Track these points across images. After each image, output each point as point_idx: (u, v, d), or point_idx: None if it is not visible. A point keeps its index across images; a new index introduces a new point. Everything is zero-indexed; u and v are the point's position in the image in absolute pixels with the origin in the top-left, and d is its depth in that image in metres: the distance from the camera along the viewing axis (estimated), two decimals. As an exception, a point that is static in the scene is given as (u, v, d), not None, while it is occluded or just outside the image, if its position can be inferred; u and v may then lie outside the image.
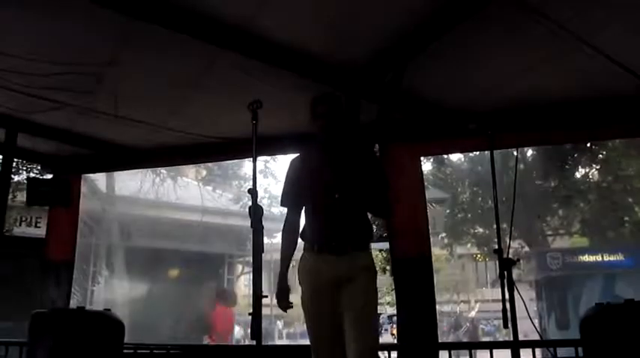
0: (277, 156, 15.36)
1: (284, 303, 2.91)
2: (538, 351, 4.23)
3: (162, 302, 12.95)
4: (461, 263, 25.23)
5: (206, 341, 8.72)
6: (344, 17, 3.14)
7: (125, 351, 4.14)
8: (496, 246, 3.11)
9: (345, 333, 2.71)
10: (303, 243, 2.98)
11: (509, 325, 2.96)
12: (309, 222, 2.97)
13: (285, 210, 3.10)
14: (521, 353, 3.16)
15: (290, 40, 3.35)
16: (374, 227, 3.33)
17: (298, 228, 3.03)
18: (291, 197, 3.04)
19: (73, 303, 5.66)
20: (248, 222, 2.60)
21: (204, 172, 17.01)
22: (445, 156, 14.41)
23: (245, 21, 3.12)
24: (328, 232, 2.84)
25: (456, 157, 16.54)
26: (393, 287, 4.50)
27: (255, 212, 2.56)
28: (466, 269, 27.11)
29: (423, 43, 3.31)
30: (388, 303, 8.49)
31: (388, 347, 4.27)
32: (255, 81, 3.58)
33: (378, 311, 3.02)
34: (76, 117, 4.40)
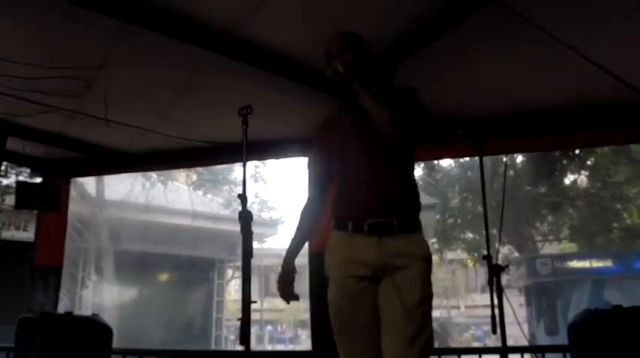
0: (268, 161, 15.42)
1: (286, 291, 2.35)
2: (527, 356, 4.24)
3: (152, 307, 12.90)
4: (451, 268, 25.31)
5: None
6: (335, 22, 3.14)
7: (113, 356, 4.12)
8: (486, 252, 3.13)
9: (385, 344, 2.09)
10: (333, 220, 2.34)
11: (498, 330, 2.97)
12: (340, 192, 2.36)
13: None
14: (510, 359, 3.17)
15: (281, 45, 3.35)
16: None
17: (319, 211, 2.48)
18: (315, 178, 2.52)
19: (61, 308, 5.62)
20: (238, 227, 2.59)
21: (194, 177, 17.00)
22: (435, 161, 14.47)
23: (236, 25, 3.12)
24: (366, 204, 2.20)
25: (446, 163, 16.64)
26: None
27: (245, 217, 2.55)
28: (456, 274, 27.20)
29: (413, 48, 3.32)
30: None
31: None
32: (245, 85, 3.58)
33: None
34: (65, 121, 4.38)
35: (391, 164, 2.26)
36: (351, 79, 2.24)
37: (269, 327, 28.13)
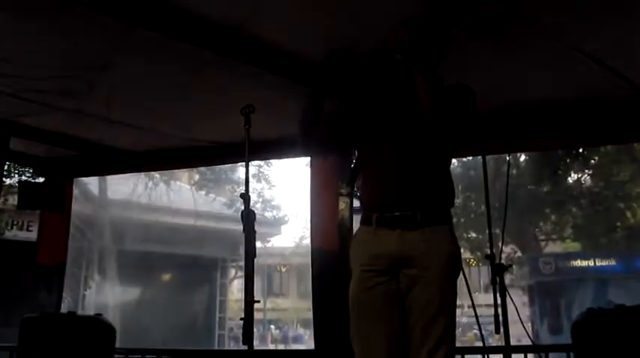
0: (270, 160, 15.43)
1: None
2: (530, 356, 4.23)
3: (155, 307, 12.91)
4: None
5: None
6: (337, 21, 3.14)
7: (116, 356, 4.12)
8: (489, 251, 3.12)
9: (411, 344, 2.06)
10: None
11: (502, 330, 2.97)
12: (367, 185, 2.29)
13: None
14: (514, 358, 3.17)
15: (283, 44, 3.35)
16: None
17: None
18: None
19: (64, 308, 5.63)
20: (241, 227, 2.59)
21: (197, 176, 17.00)
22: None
23: (238, 25, 3.12)
24: (389, 197, 2.13)
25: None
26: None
27: (248, 217, 2.55)
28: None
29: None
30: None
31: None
32: (248, 85, 3.58)
33: None
34: (68, 121, 4.39)
35: (424, 154, 2.17)
36: (412, 51, 2.20)
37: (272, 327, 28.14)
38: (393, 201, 2.12)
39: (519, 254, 16.26)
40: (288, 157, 5.31)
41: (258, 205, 16.92)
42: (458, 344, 2.16)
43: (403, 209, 2.09)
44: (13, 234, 10.22)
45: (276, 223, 18.65)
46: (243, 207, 2.57)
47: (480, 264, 22.60)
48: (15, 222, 10.47)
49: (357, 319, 2.13)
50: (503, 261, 3.10)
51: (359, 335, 2.12)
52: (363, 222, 2.24)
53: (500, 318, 2.95)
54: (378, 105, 2.32)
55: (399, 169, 2.14)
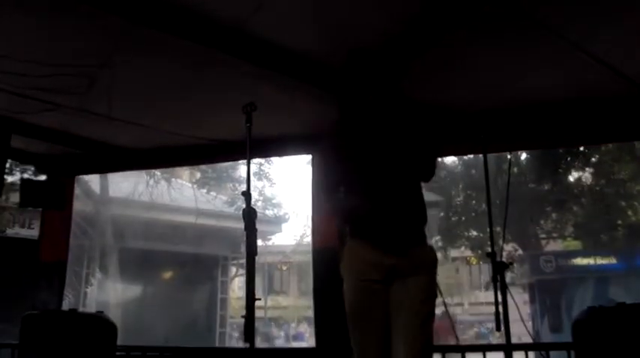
0: (272, 158, 15.44)
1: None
2: (531, 354, 4.23)
3: (156, 305, 12.93)
4: (454, 266, 25.30)
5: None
6: (338, 20, 3.14)
7: (118, 354, 4.13)
8: (490, 249, 3.12)
9: (393, 338, 2.41)
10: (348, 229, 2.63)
11: (502, 328, 2.97)
12: (357, 203, 2.59)
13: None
14: (514, 356, 3.16)
15: (284, 43, 3.35)
16: None
17: None
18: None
19: (66, 305, 5.64)
20: (242, 225, 2.59)
21: (198, 174, 17.01)
22: (439, 158, 14.43)
23: (240, 23, 3.12)
24: (383, 219, 2.48)
25: (450, 160, 16.58)
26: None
27: (249, 215, 2.56)
28: (460, 272, 27.18)
29: (419, 46, 3.32)
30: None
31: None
32: (250, 83, 3.58)
33: None
34: (69, 119, 4.39)
35: (409, 181, 2.57)
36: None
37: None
38: (386, 223, 2.47)
39: (520, 252, 16.24)
40: (289, 155, 5.31)
41: (259, 203, 16.94)
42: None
43: (395, 230, 2.47)
44: (15, 231, 10.25)
45: (277, 221, 18.66)
46: (244, 205, 2.58)
47: (481, 262, 22.62)
48: (17, 220, 10.49)
49: (354, 321, 2.49)
50: (504, 259, 3.10)
51: (355, 333, 2.49)
52: (354, 237, 2.58)
53: (502, 317, 2.95)
54: (373, 136, 2.60)
55: (390, 196, 2.49)
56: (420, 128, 2.66)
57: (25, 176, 7.88)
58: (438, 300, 2.56)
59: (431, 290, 2.50)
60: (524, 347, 4.19)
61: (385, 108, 2.60)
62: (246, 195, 2.59)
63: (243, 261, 2.50)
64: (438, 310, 2.78)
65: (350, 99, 2.67)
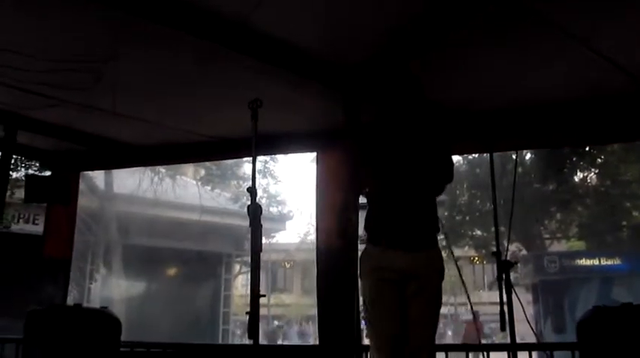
0: (276, 155, 15.46)
1: None
2: (535, 354, 4.22)
3: (159, 301, 12.95)
4: (459, 265, 25.26)
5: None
6: (343, 16, 3.14)
7: (122, 349, 4.13)
8: (494, 249, 3.11)
9: (409, 326, 2.66)
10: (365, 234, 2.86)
11: (507, 328, 2.96)
12: (375, 209, 2.82)
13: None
14: (518, 356, 3.16)
15: (289, 38, 3.34)
16: None
17: None
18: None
19: (70, 301, 5.65)
20: (246, 222, 2.59)
21: (202, 171, 17.04)
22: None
23: (244, 18, 3.11)
24: (399, 225, 2.70)
25: (454, 159, 16.54)
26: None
27: (254, 211, 2.56)
28: (464, 271, 27.15)
29: (423, 43, 3.31)
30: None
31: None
32: (254, 79, 3.57)
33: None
34: (74, 114, 4.39)
35: (425, 189, 2.77)
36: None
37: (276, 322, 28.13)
38: (402, 229, 2.68)
39: (524, 252, 16.21)
40: (294, 152, 5.30)
41: (264, 201, 16.96)
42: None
43: (411, 236, 2.68)
44: (20, 227, 10.27)
45: (281, 219, 18.67)
46: (248, 202, 2.58)
47: (485, 262, 22.60)
48: (21, 216, 10.52)
49: (372, 317, 2.71)
50: (508, 259, 3.09)
51: (374, 328, 2.71)
52: (370, 242, 2.76)
53: (507, 316, 2.94)
54: (395, 145, 2.79)
55: (407, 203, 2.69)
56: (441, 132, 2.90)
57: (30, 172, 7.90)
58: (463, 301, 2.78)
59: (440, 289, 2.74)
60: (529, 347, 4.18)
61: (415, 116, 2.81)
62: (252, 191, 2.59)
63: (247, 258, 2.50)
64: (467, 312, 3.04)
65: (385, 106, 2.89)
